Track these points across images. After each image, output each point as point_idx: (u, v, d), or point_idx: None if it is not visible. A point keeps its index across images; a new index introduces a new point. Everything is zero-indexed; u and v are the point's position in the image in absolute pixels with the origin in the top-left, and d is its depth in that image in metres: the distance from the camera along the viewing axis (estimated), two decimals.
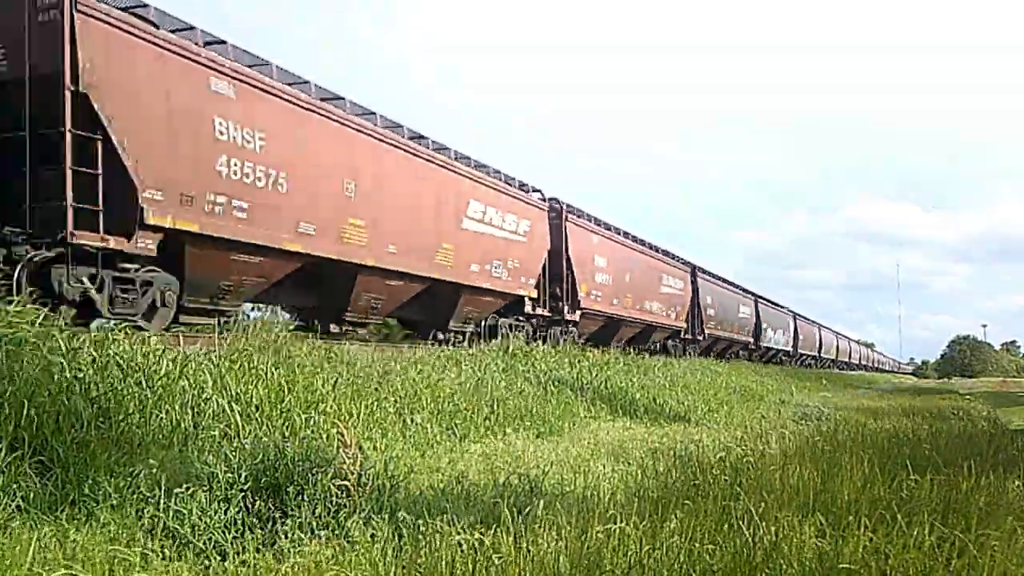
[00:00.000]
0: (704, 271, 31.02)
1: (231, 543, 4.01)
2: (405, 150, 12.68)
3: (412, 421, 7.80)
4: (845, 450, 6.87)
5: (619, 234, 22.82)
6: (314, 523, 4.25)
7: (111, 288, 8.09)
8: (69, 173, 7.53)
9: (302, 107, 10.46)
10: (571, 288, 18.67)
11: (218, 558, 3.89)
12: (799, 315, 48.69)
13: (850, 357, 66.87)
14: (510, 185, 16.32)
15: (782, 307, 45.54)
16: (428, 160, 13.31)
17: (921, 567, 3.61)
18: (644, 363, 18.19)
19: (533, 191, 17.66)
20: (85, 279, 7.82)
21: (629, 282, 22.60)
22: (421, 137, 13.41)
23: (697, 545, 3.79)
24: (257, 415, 6.43)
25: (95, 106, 7.73)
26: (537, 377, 12.13)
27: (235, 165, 9.32)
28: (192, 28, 9.37)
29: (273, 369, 7.25)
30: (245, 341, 8.07)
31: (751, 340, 36.98)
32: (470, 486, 5.38)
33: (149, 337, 7.10)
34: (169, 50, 8.65)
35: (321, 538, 4.06)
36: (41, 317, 6.15)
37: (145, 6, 8.77)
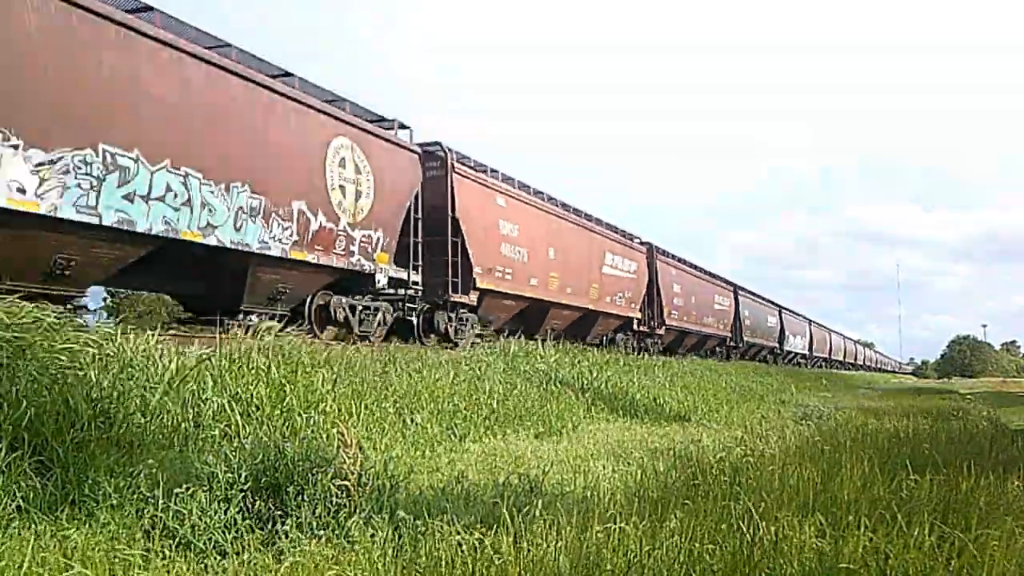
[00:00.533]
0: (744, 289, 37.16)
1: (231, 543, 4.01)
2: (573, 222, 20.08)
3: (412, 421, 7.80)
4: (845, 450, 6.87)
5: (687, 264, 29.57)
6: (314, 523, 4.25)
7: (455, 323, 14.85)
8: (449, 261, 14.32)
9: (529, 204, 17.84)
10: (659, 310, 25.57)
11: (218, 558, 3.89)
12: (813, 321, 53.76)
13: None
14: (623, 236, 23.68)
15: (800, 315, 50.43)
16: (582, 227, 20.61)
17: (921, 567, 3.61)
18: (645, 363, 18.19)
19: (633, 237, 24.88)
20: (447, 319, 14.56)
21: (694, 303, 29.20)
22: (576, 210, 20.57)
23: (697, 545, 3.79)
24: (257, 415, 6.44)
25: (461, 225, 14.66)
26: (538, 377, 12.14)
27: (507, 247, 16.44)
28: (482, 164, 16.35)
29: (274, 369, 7.26)
30: (246, 341, 8.08)
31: (776, 345, 43.62)
32: (470, 486, 5.38)
33: (150, 338, 7.12)
34: (484, 185, 15.90)
35: (321, 538, 4.06)
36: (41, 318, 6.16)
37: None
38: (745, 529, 3.94)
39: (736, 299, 35.99)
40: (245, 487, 4.51)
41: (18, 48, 7.24)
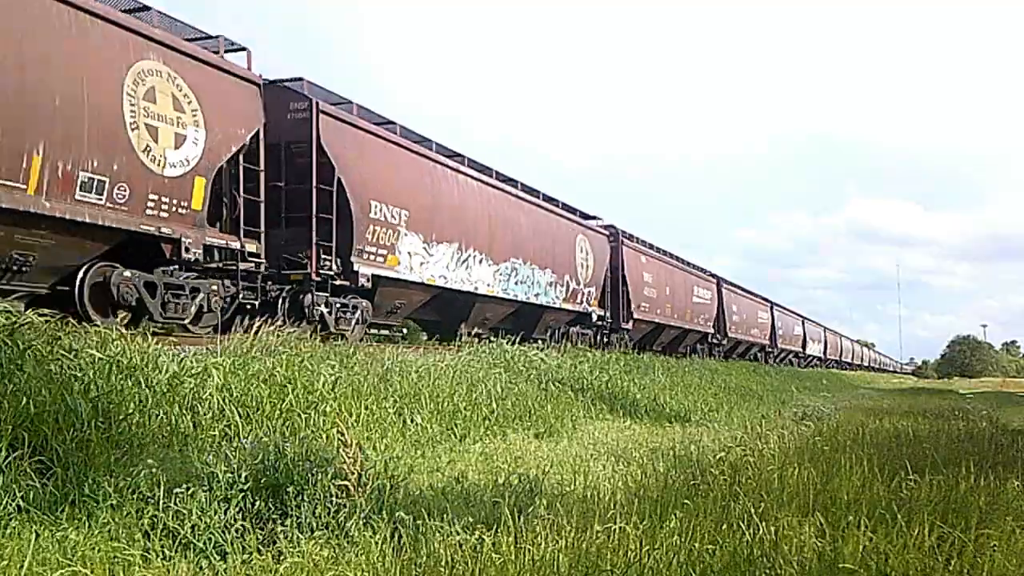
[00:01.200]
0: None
1: (231, 543, 4.01)
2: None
3: (412, 421, 7.80)
4: (845, 450, 6.87)
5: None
6: (314, 523, 4.25)
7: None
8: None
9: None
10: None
11: (218, 558, 3.89)
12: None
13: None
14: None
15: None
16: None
17: (921, 567, 3.61)
18: (645, 363, 18.20)
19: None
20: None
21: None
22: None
23: (697, 545, 3.79)
24: (257, 415, 6.44)
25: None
26: (538, 377, 12.14)
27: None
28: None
29: (274, 369, 7.26)
30: (247, 342, 8.08)
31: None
32: (470, 486, 5.39)
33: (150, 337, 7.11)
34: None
35: (321, 538, 4.06)
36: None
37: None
38: (745, 529, 3.95)
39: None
40: (245, 487, 4.50)
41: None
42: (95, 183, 8.14)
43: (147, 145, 8.66)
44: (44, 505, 4.21)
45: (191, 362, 6.68)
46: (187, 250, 9.23)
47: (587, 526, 4.01)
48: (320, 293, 11.46)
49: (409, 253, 13.15)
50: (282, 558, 3.74)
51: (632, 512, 4.35)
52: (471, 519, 4.29)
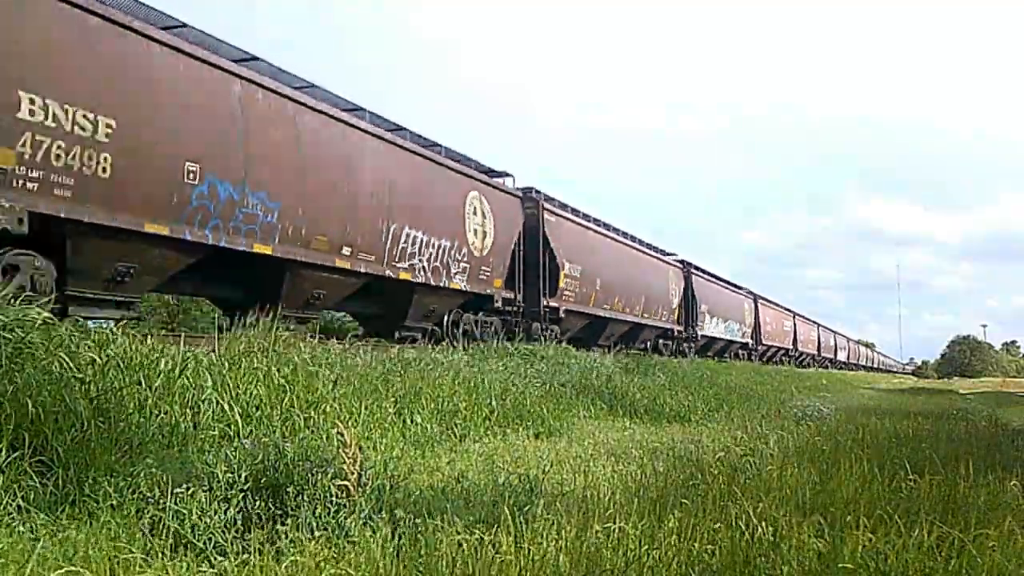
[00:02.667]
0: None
1: (231, 543, 4.01)
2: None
3: (412, 421, 7.81)
4: (844, 450, 6.88)
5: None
6: (314, 523, 4.25)
7: None
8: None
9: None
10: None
11: (218, 558, 3.90)
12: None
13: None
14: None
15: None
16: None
17: (921, 567, 3.61)
18: (645, 363, 18.18)
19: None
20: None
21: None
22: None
23: (696, 545, 3.80)
24: (257, 415, 6.44)
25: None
26: (538, 377, 12.13)
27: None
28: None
29: (274, 369, 7.27)
30: (247, 342, 8.09)
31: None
32: (470, 486, 5.39)
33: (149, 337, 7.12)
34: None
35: (321, 538, 4.06)
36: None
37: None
38: (744, 529, 3.95)
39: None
40: (245, 487, 4.51)
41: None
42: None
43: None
44: (44, 505, 4.22)
45: (192, 362, 6.69)
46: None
47: (587, 526, 4.01)
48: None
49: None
50: (282, 558, 3.74)
51: (632, 512, 4.36)
52: (471, 519, 4.29)
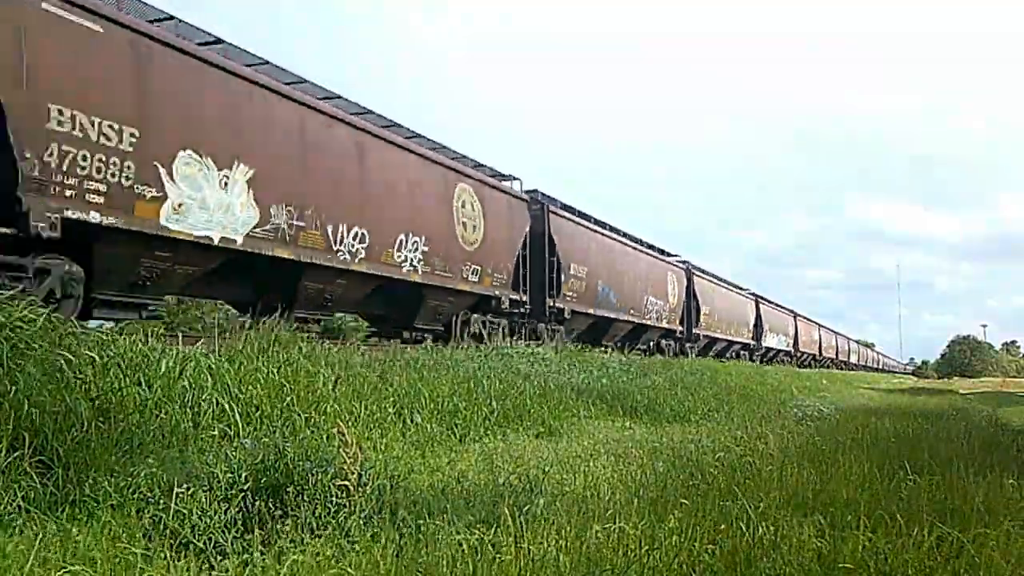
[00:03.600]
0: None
1: (231, 543, 4.01)
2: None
3: (412, 421, 7.81)
4: (844, 450, 6.88)
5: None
6: (314, 523, 4.25)
7: None
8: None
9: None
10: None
11: (218, 558, 3.90)
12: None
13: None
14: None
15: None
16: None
17: (920, 567, 3.62)
18: (645, 363, 18.18)
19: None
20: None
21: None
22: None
23: (696, 544, 3.80)
24: (257, 415, 6.44)
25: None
26: (538, 376, 12.13)
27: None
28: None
29: (274, 369, 7.27)
30: (246, 342, 8.09)
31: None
32: (470, 486, 5.39)
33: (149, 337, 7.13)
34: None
35: (321, 538, 4.07)
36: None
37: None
38: (744, 529, 3.95)
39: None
40: (245, 487, 4.51)
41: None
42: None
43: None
44: (45, 505, 4.22)
45: (192, 361, 6.69)
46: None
47: (587, 526, 4.01)
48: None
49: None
50: (283, 558, 3.74)
51: (632, 512, 4.36)
52: (471, 519, 4.29)
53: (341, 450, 4.86)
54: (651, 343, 25.64)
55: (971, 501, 4.83)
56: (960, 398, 23.97)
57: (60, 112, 7.48)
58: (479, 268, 15.37)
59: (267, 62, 10.97)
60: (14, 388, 4.93)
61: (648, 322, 24.62)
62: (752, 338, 37.21)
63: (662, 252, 27.15)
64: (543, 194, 18.51)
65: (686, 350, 27.99)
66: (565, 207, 19.64)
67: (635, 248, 24.31)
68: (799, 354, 47.79)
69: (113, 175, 8.02)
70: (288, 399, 6.82)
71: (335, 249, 11.35)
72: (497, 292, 16.07)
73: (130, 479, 4.52)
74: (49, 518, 4.05)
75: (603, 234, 21.76)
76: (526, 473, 5.81)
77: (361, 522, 4.23)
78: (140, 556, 3.68)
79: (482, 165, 16.35)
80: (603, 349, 20.06)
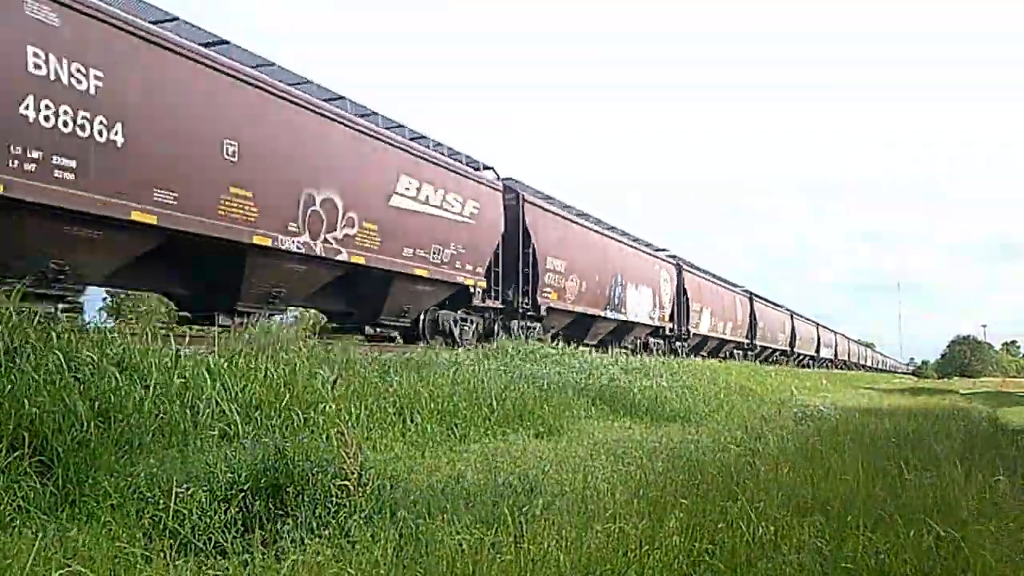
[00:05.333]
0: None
1: (231, 543, 4.01)
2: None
3: (412, 421, 7.80)
4: (845, 450, 6.88)
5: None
6: (314, 523, 4.25)
7: None
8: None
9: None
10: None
11: (218, 558, 3.90)
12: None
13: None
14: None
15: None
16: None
17: (919, 566, 3.62)
18: (645, 363, 18.18)
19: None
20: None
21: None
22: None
23: (696, 544, 3.80)
24: (257, 415, 6.44)
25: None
26: (537, 376, 12.13)
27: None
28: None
29: (273, 368, 7.27)
30: (246, 341, 8.09)
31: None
32: (470, 486, 5.39)
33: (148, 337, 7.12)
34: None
35: (321, 538, 4.07)
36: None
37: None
38: (744, 528, 3.95)
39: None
40: (245, 487, 4.51)
41: None
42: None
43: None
44: (44, 505, 4.22)
45: (191, 361, 6.69)
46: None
47: (587, 526, 4.01)
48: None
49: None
50: (283, 558, 3.74)
51: (632, 512, 4.36)
52: (471, 519, 4.29)
53: (341, 450, 4.86)
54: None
55: (968, 501, 4.83)
56: (960, 398, 23.97)
57: None
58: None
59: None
60: (11, 387, 4.93)
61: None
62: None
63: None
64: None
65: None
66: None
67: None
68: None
69: None
70: (288, 399, 6.82)
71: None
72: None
73: (130, 479, 4.52)
74: (49, 518, 4.05)
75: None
76: (526, 473, 5.81)
77: (361, 522, 4.22)
78: (140, 556, 3.68)
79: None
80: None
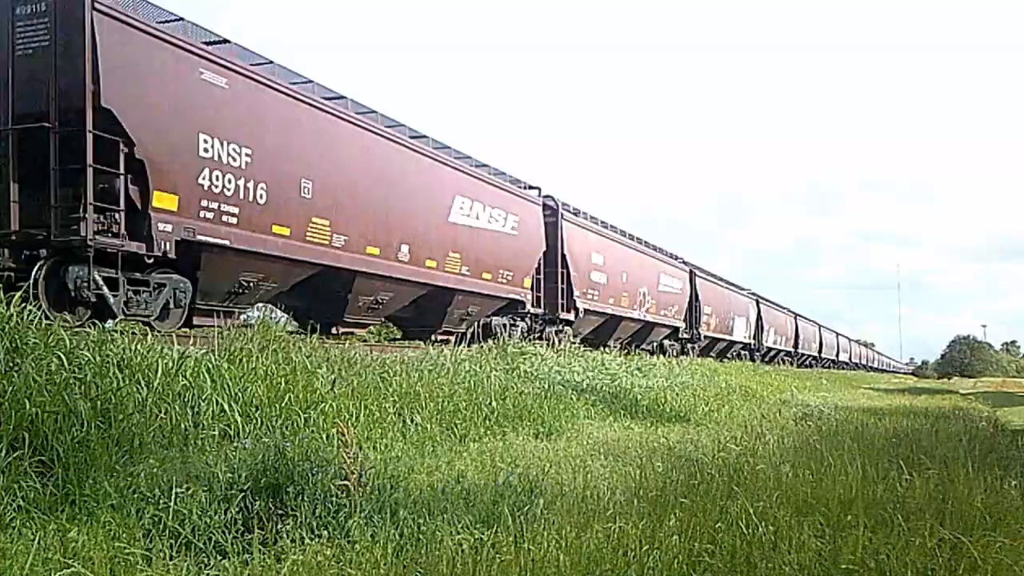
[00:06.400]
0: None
1: (231, 543, 4.01)
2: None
3: (412, 421, 7.80)
4: (844, 450, 6.87)
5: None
6: (314, 523, 4.25)
7: None
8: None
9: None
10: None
11: (218, 558, 3.89)
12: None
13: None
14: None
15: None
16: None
17: (921, 567, 3.61)
18: (645, 363, 18.19)
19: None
20: None
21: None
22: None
23: (696, 544, 3.80)
24: (257, 415, 6.44)
25: None
26: (537, 377, 12.13)
27: None
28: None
29: (273, 368, 7.27)
30: (246, 341, 8.09)
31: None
32: (470, 486, 5.38)
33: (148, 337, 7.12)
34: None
35: (321, 538, 4.07)
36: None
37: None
38: (744, 528, 3.95)
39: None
40: (245, 487, 4.51)
41: None
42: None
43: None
44: (44, 505, 4.22)
45: (191, 361, 6.68)
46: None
47: (587, 525, 4.01)
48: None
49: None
50: (283, 558, 3.74)
51: (631, 511, 4.36)
52: (471, 519, 4.29)
53: (341, 450, 4.86)
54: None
55: (971, 503, 4.82)
56: (960, 398, 23.96)
57: None
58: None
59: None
60: (12, 388, 4.93)
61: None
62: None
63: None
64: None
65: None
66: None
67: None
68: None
69: None
70: (288, 399, 6.82)
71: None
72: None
73: (130, 479, 4.52)
74: (49, 518, 4.05)
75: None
76: (526, 473, 5.81)
77: (361, 522, 4.22)
78: (140, 556, 3.68)
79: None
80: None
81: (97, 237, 7.99)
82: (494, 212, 15.88)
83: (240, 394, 6.57)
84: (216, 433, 5.86)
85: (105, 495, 4.32)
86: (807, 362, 49.88)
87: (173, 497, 4.20)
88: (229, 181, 9.47)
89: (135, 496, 4.35)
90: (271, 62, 10.95)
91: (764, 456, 6.66)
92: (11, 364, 5.30)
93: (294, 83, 10.97)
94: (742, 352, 36.05)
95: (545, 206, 18.64)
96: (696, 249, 50.29)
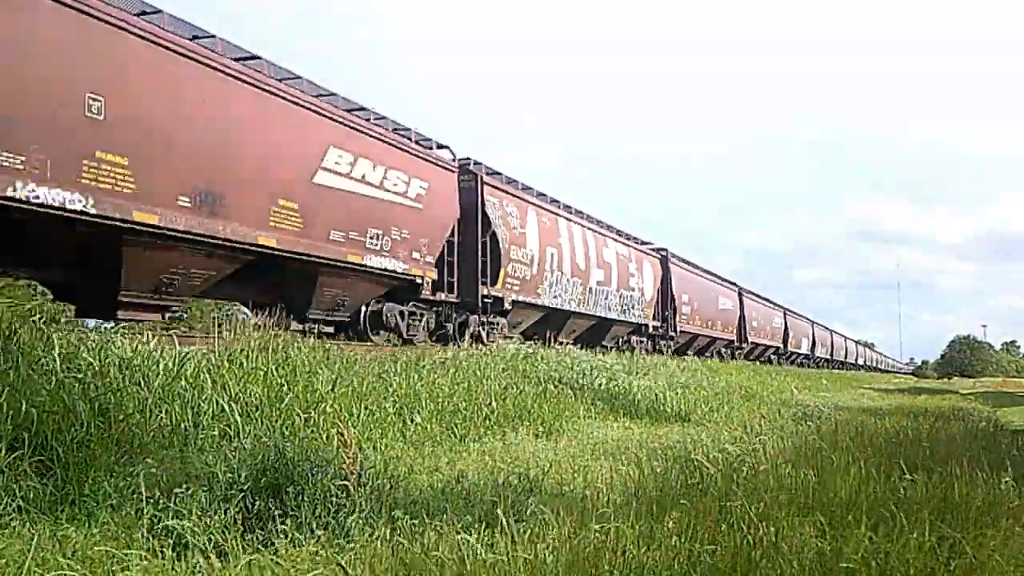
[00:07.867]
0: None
1: (231, 543, 4.01)
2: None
3: (412, 421, 7.80)
4: (844, 450, 6.88)
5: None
6: (314, 523, 4.25)
7: None
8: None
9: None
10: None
11: (218, 558, 3.89)
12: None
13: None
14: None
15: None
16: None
17: (922, 567, 3.61)
18: (646, 363, 18.17)
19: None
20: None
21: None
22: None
23: (696, 545, 3.79)
24: (257, 415, 6.44)
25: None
26: (537, 377, 12.13)
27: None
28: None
29: (273, 368, 7.27)
30: (245, 341, 8.09)
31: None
32: (469, 486, 5.39)
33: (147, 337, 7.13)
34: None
35: (321, 538, 4.07)
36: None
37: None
38: (744, 529, 3.95)
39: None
40: (245, 487, 4.51)
41: None
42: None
43: None
44: (44, 505, 4.22)
45: (191, 362, 6.69)
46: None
47: (585, 526, 4.01)
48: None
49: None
50: (283, 558, 3.74)
51: (630, 512, 4.36)
52: (470, 519, 4.29)
53: (341, 450, 4.86)
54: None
55: (970, 501, 4.82)
56: (960, 398, 23.96)
57: None
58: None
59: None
60: (12, 388, 4.93)
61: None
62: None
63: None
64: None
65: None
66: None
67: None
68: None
69: None
70: (288, 399, 6.82)
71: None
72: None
73: (129, 479, 4.52)
74: (48, 518, 4.05)
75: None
76: (525, 473, 5.81)
77: (360, 522, 4.22)
78: (139, 556, 3.68)
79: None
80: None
81: None
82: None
83: (240, 394, 6.57)
84: (216, 433, 5.86)
85: (105, 495, 4.32)
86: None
87: (173, 497, 4.19)
88: None
89: (135, 496, 4.35)
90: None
91: (764, 456, 6.66)
92: (9, 364, 5.30)
93: None
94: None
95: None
96: (696, 249, 49.79)
